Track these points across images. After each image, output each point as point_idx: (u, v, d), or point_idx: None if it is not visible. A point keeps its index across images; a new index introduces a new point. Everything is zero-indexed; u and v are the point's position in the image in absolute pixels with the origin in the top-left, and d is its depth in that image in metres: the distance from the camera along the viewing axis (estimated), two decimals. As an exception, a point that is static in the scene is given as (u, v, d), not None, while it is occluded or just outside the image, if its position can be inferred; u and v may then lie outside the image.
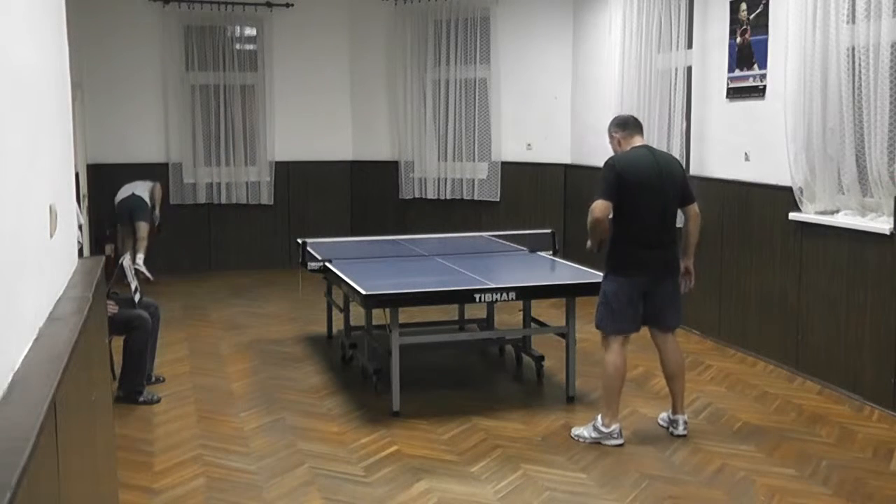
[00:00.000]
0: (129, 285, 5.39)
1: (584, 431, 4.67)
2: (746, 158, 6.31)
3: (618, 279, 4.57)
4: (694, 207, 4.72)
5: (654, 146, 6.89)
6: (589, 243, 4.65)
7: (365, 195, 10.09)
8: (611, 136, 4.77)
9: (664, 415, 4.85)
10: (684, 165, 6.99)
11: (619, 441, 4.58)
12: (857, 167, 5.27)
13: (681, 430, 4.69)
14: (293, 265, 7.13)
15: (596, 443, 4.59)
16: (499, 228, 7.81)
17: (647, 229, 4.54)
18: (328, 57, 9.90)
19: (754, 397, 5.39)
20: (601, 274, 4.73)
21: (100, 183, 9.11)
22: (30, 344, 2.06)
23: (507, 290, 5.09)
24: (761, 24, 6.07)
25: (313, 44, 9.81)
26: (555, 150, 9.06)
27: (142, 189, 8.81)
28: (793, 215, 5.75)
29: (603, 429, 4.59)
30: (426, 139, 9.65)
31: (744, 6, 6.25)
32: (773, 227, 5.98)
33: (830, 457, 4.43)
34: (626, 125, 4.73)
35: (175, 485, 4.13)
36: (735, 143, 6.42)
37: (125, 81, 9.32)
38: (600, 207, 4.46)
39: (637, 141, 4.69)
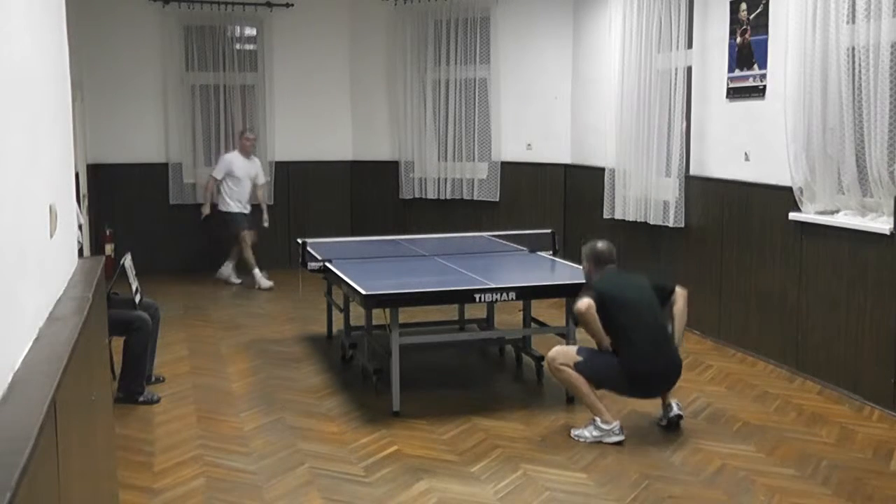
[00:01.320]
0: (129, 285, 5.39)
1: (584, 431, 4.67)
2: (746, 158, 6.31)
3: (625, 378, 4.60)
4: (679, 291, 4.83)
5: (654, 148, 7.03)
6: (598, 344, 4.72)
7: (365, 195, 10.09)
8: (583, 262, 4.94)
9: (660, 413, 4.87)
10: (684, 166, 7.00)
11: (621, 437, 4.58)
12: (857, 167, 5.27)
13: (675, 410, 4.75)
14: (293, 265, 7.15)
15: (597, 441, 4.59)
16: (499, 228, 7.81)
17: (646, 339, 4.60)
18: (328, 57, 9.90)
19: (754, 397, 5.39)
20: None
21: (100, 183, 9.12)
22: (30, 344, 2.06)
23: (507, 290, 5.09)
24: (761, 24, 6.07)
25: (313, 44, 9.81)
26: (555, 150, 9.05)
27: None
28: (793, 215, 5.75)
29: (603, 426, 4.59)
30: (426, 139, 9.64)
31: (744, 6, 6.25)
32: (773, 227, 5.98)
33: (830, 457, 4.43)
34: (600, 261, 4.86)
35: (175, 485, 4.13)
36: (735, 143, 6.42)
37: (125, 81, 9.32)
38: (584, 303, 4.59)
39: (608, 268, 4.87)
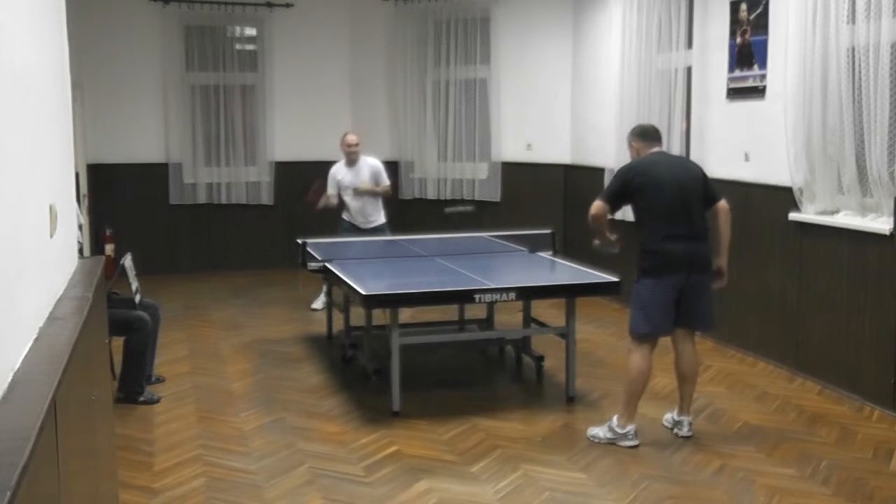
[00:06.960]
0: (129, 285, 5.39)
1: (599, 432, 4.66)
2: (746, 158, 6.31)
3: (651, 281, 4.53)
4: (721, 204, 4.68)
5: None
6: (596, 241, 4.73)
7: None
8: (630, 145, 4.83)
9: (669, 416, 4.85)
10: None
11: (635, 442, 4.56)
12: (857, 167, 5.27)
13: (685, 431, 4.70)
14: (293, 265, 7.13)
15: (611, 443, 4.58)
16: (499, 228, 7.81)
17: (671, 226, 4.50)
18: (328, 57, 9.89)
19: (754, 397, 5.39)
20: (600, 274, 4.74)
21: (100, 183, 9.12)
22: (30, 344, 2.06)
23: (507, 290, 5.09)
24: (761, 25, 6.07)
25: (313, 44, 9.81)
26: (555, 150, 9.05)
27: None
28: (793, 215, 5.75)
29: (618, 430, 4.58)
30: (426, 139, 9.64)
31: (744, 6, 6.25)
32: (773, 227, 5.98)
33: (830, 457, 4.43)
34: (645, 135, 4.77)
35: (175, 485, 4.13)
36: (735, 143, 6.42)
37: (125, 81, 9.32)
38: (596, 206, 4.62)
39: (654, 149, 4.73)
